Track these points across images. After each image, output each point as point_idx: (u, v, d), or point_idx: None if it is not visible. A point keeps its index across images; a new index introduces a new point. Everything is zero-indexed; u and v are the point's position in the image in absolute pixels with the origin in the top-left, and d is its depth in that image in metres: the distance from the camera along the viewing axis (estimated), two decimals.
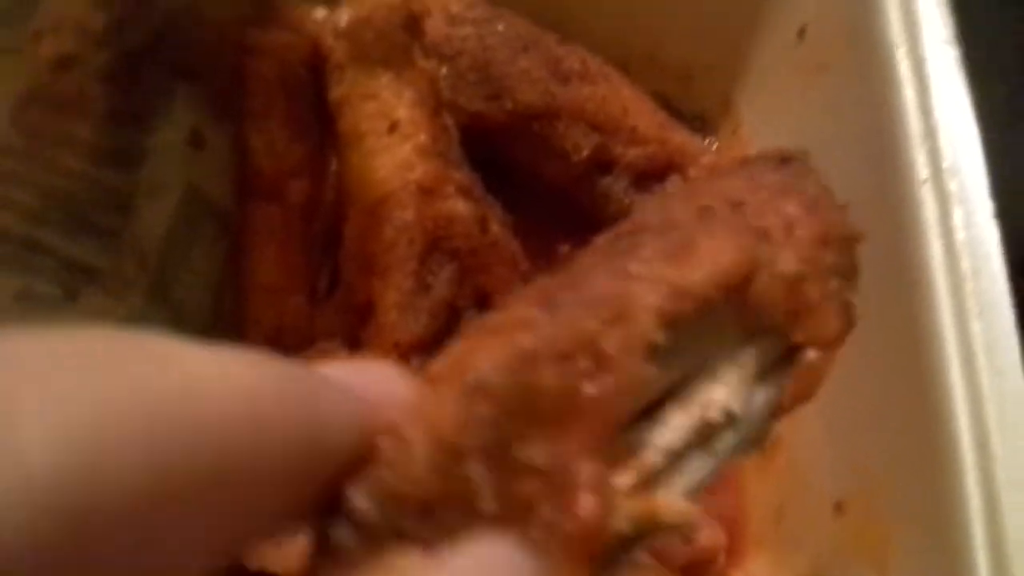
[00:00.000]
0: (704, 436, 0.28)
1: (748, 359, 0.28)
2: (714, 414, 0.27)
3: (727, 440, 0.28)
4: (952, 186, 0.51)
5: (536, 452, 0.23)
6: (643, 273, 0.26)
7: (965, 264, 0.49)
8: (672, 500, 0.25)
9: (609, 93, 0.68)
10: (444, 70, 0.64)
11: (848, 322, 0.29)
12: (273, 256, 0.57)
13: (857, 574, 0.51)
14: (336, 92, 0.59)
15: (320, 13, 0.63)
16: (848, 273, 0.31)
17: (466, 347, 0.25)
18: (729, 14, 0.72)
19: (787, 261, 0.28)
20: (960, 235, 0.50)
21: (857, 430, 0.54)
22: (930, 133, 0.53)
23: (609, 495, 0.23)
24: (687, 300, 0.26)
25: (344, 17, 0.59)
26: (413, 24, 0.60)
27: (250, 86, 0.58)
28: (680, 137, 0.71)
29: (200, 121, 0.55)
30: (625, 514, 0.24)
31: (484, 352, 0.24)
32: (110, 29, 0.50)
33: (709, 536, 0.54)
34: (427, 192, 0.56)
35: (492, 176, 0.62)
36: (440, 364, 0.25)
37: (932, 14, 0.56)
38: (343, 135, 0.58)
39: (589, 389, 0.23)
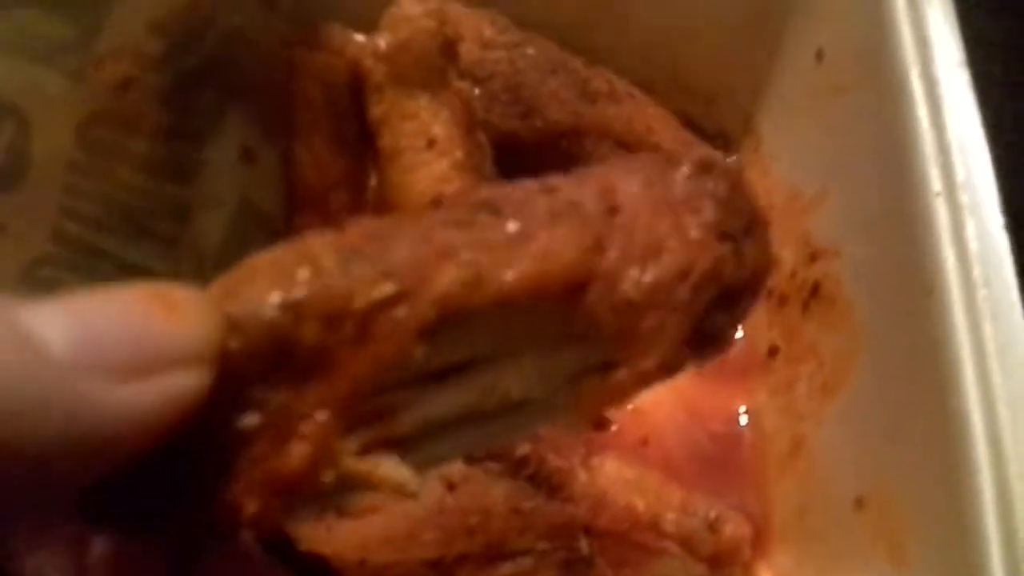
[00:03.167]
0: (476, 415, 0.28)
1: (560, 359, 0.28)
2: (492, 398, 0.28)
3: (503, 423, 0.29)
4: (964, 198, 0.53)
5: (271, 395, 0.24)
6: (458, 254, 0.26)
7: (977, 272, 0.51)
8: (391, 466, 0.26)
9: (634, 112, 0.71)
10: (478, 91, 0.67)
11: (672, 365, 0.28)
12: None
13: (876, 567, 0.53)
14: (376, 111, 0.62)
15: (360, 37, 0.66)
16: (717, 305, 0.29)
17: (251, 269, 0.27)
18: (750, 38, 0.75)
19: (629, 285, 0.27)
20: (973, 245, 0.52)
21: (876, 430, 0.56)
22: (943, 149, 0.55)
23: (326, 449, 0.25)
24: (483, 294, 0.26)
25: (383, 41, 0.62)
26: (448, 48, 0.63)
27: (296, 105, 0.61)
28: (703, 153, 0.73)
29: (250, 138, 0.58)
30: (339, 468, 0.25)
31: (260, 284, 0.25)
32: (166, 54, 0.53)
33: (735, 528, 0.56)
34: None
35: None
36: (228, 277, 0.26)
37: (944, 38, 0.59)
38: (383, 151, 0.61)
39: (343, 355, 0.25)
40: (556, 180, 0.31)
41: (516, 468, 0.55)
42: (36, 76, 0.49)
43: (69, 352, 0.22)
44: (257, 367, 0.25)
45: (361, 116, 0.63)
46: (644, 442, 0.70)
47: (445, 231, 0.27)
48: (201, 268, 0.55)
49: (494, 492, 0.54)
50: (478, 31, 0.70)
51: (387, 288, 0.25)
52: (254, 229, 0.58)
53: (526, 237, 0.27)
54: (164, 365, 0.23)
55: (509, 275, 0.26)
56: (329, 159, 0.62)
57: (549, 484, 0.55)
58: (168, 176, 0.54)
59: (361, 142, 0.63)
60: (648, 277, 0.27)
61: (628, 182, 0.30)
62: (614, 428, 0.66)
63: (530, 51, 0.70)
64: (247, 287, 0.26)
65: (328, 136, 0.62)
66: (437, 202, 0.59)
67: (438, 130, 0.60)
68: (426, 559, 0.53)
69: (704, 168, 0.30)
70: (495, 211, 0.28)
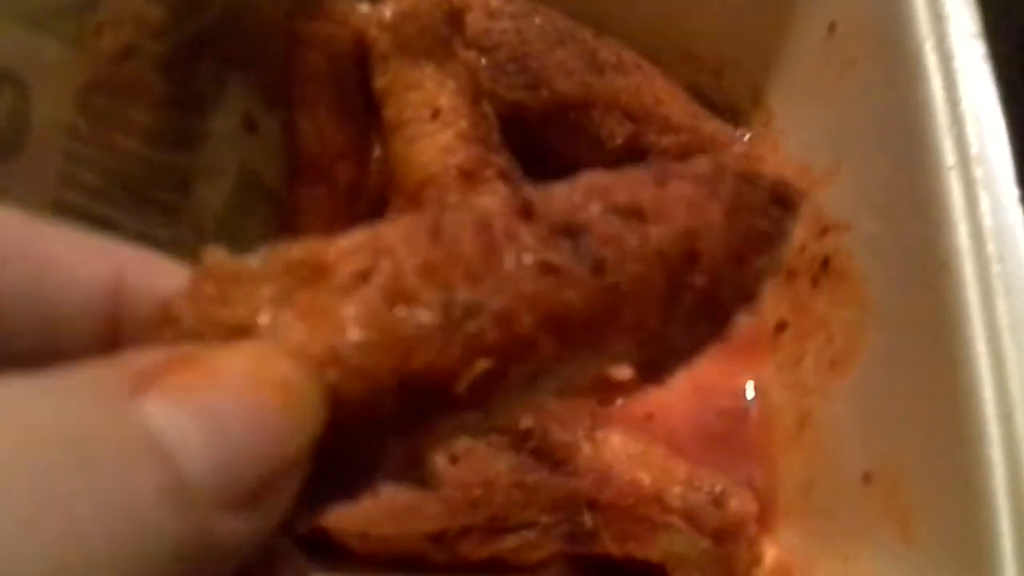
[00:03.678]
0: None
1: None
2: None
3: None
4: (978, 172, 0.53)
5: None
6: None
7: (991, 247, 0.51)
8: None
9: (643, 83, 0.70)
10: (484, 61, 0.66)
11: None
12: (320, 235, 0.59)
13: (884, 543, 0.53)
14: (381, 81, 0.61)
15: (365, 7, 0.65)
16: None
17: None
18: (760, 9, 0.74)
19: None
20: (986, 220, 0.51)
21: (886, 405, 0.56)
22: (957, 122, 0.54)
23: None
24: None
25: (388, 11, 0.61)
26: (454, 18, 0.62)
27: (299, 75, 0.60)
28: (712, 126, 0.73)
29: (253, 107, 0.57)
30: None
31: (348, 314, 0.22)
32: (167, 21, 0.53)
33: (740, 503, 0.55)
34: (468, 175, 0.58)
35: (529, 163, 0.64)
36: (307, 298, 0.23)
37: (959, 9, 0.58)
38: (387, 121, 0.61)
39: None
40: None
41: (520, 441, 0.55)
42: (34, 42, 0.48)
43: (209, 483, 0.18)
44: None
45: (365, 86, 0.62)
46: (649, 417, 0.69)
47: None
48: (202, 237, 0.54)
49: (497, 465, 0.53)
50: (485, 0, 0.69)
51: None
52: (255, 199, 0.57)
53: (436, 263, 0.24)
54: (285, 481, 0.20)
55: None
56: (333, 130, 0.61)
57: (553, 457, 0.55)
58: (169, 145, 0.53)
59: (365, 113, 0.62)
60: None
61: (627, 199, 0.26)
62: (619, 403, 0.66)
63: (537, 21, 0.69)
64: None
65: (332, 106, 0.61)
66: (442, 176, 0.58)
67: (443, 100, 0.59)
68: (428, 532, 0.53)
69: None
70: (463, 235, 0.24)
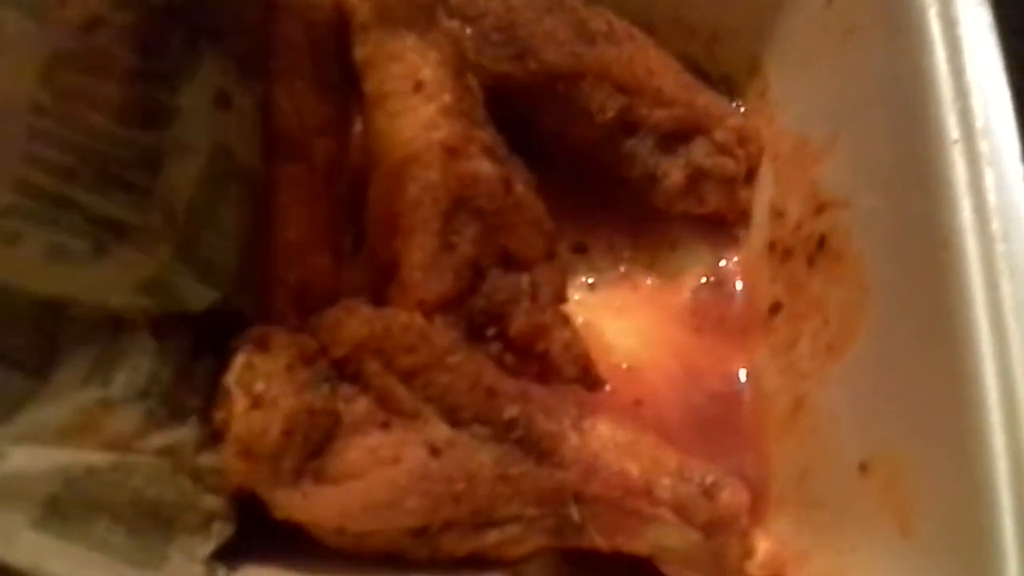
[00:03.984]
0: None
1: None
2: None
3: None
4: (983, 147, 0.51)
5: None
6: None
7: (995, 225, 0.49)
8: None
9: (635, 54, 0.67)
10: (468, 31, 0.64)
11: None
12: (298, 215, 0.57)
13: (881, 535, 0.51)
14: (361, 53, 0.59)
15: None
16: None
17: None
18: None
19: None
20: (991, 197, 0.49)
21: (884, 391, 0.54)
22: (961, 94, 0.52)
23: None
24: None
25: None
26: None
27: (275, 47, 0.58)
28: (706, 99, 0.70)
29: (226, 81, 0.54)
30: None
31: None
32: None
33: (731, 495, 0.54)
34: (452, 152, 0.56)
35: (516, 137, 0.62)
36: None
37: None
38: (368, 95, 0.58)
39: None
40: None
41: (504, 432, 0.53)
42: None
43: None
44: None
45: (345, 58, 0.60)
46: (638, 402, 0.68)
47: None
48: (172, 220, 0.52)
49: (481, 457, 0.51)
50: None
51: None
52: (230, 179, 0.55)
53: None
54: None
55: None
56: (311, 104, 0.59)
57: (538, 448, 0.53)
58: (139, 122, 0.51)
59: (345, 86, 0.60)
60: None
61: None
62: (607, 388, 0.64)
63: None
64: None
65: (310, 80, 0.59)
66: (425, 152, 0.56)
67: (426, 72, 0.57)
68: (409, 527, 0.52)
69: None
70: None
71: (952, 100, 0.52)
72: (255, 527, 0.54)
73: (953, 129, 0.51)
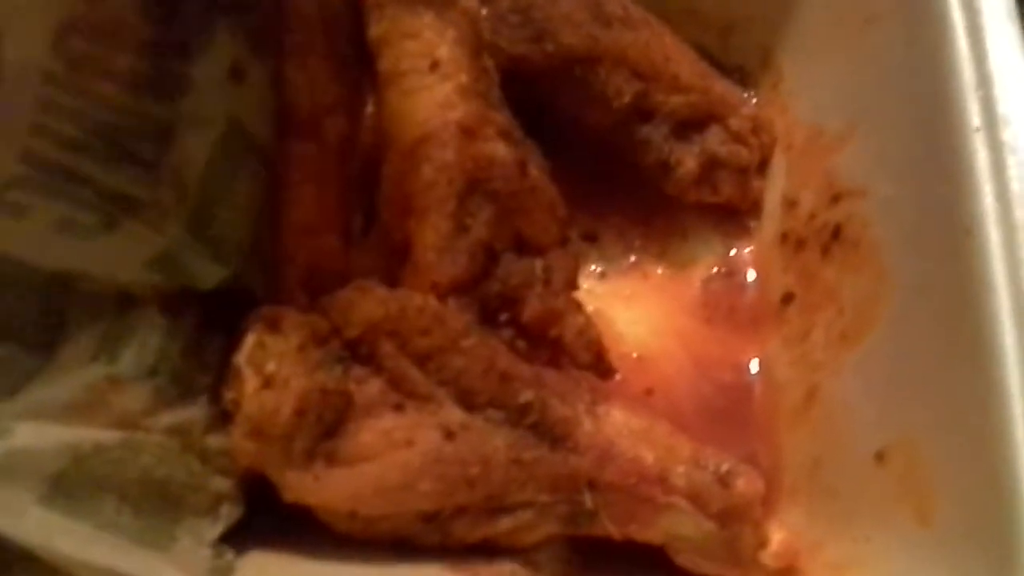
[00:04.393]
0: None
1: None
2: None
3: None
4: (1006, 135, 0.50)
5: None
6: None
7: (1018, 213, 0.48)
8: None
9: (652, 39, 0.67)
10: (485, 11, 0.63)
11: None
12: (309, 195, 0.56)
13: (898, 525, 0.50)
14: (376, 30, 0.58)
15: None
16: None
17: None
18: None
19: None
20: (1014, 185, 0.49)
21: (901, 380, 0.53)
22: (984, 81, 0.52)
23: None
24: None
25: None
26: None
27: (290, 22, 0.57)
28: (721, 87, 0.70)
29: (240, 55, 0.54)
30: None
31: None
32: None
33: (746, 483, 0.53)
34: (467, 132, 0.55)
35: (532, 121, 0.61)
36: None
37: None
38: (382, 74, 0.57)
39: None
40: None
41: (518, 416, 0.52)
42: None
43: None
44: None
45: (359, 36, 0.59)
46: (649, 392, 0.67)
47: None
48: (183, 195, 0.51)
49: (495, 442, 0.51)
50: None
51: None
52: (242, 154, 0.54)
53: None
54: None
55: None
56: (324, 82, 0.58)
57: (553, 434, 0.52)
58: (151, 93, 0.50)
59: (359, 64, 0.59)
60: None
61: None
62: (618, 377, 0.63)
63: None
64: None
65: (323, 57, 0.58)
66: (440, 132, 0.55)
67: (443, 51, 0.56)
68: (421, 512, 0.51)
69: None
70: None
71: (974, 88, 0.52)
72: (263, 511, 0.53)
73: (975, 117, 0.51)
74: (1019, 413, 0.45)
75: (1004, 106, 0.51)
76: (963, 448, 0.48)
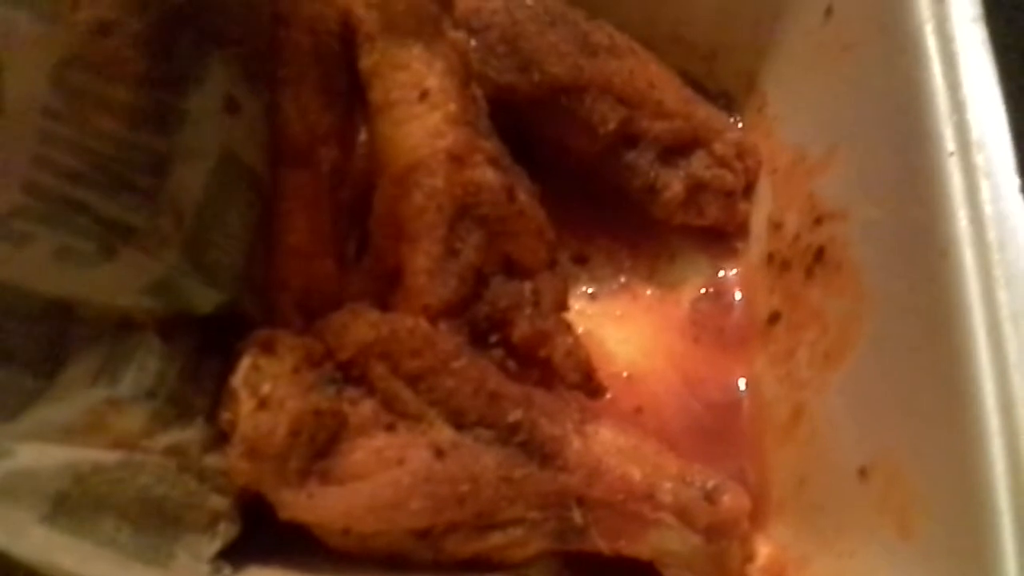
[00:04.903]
0: None
1: None
2: None
3: None
4: (979, 159, 0.51)
5: None
6: None
7: (991, 235, 0.50)
8: None
9: (636, 67, 0.68)
10: (473, 42, 0.65)
11: None
12: (303, 221, 0.58)
13: (881, 538, 0.51)
14: (367, 61, 0.59)
15: None
16: None
17: None
18: None
19: None
20: (987, 207, 0.50)
21: (882, 398, 0.55)
22: (957, 107, 0.53)
23: None
24: None
25: None
26: None
27: (283, 55, 0.58)
28: (706, 112, 0.71)
29: (235, 87, 0.55)
30: None
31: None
32: None
33: (733, 499, 0.54)
34: (456, 160, 0.57)
35: (519, 148, 0.63)
36: None
37: None
38: (374, 104, 0.59)
39: None
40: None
41: (508, 435, 0.53)
42: (7, 17, 0.46)
43: None
44: None
45: (351, 67, 0.60)
46: (638, 410, 0.68)
47: None
48: (180, 223, 0.52)
49: (485, 460, 0.52)
50: None
51: None
52: (237, 183, 0.55)
53: None
54: None
55: None
56: (317, 112, 0.59)
57: (542, 452, 0.53)
58: (148, 126, 0.51)
59: (351, 95, 0.61)
60: None
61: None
62: (608, 396, 0.65)
63: (528, 1, 0.68)
64: None
65: (316, 88, 0.59)
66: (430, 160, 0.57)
67: (432, 82, 0.57)
68: (413, 529, 0.52)
69: None
70: None
71: (948, 114, 0.53)
72: (260, 529, 0.54)
73: (950, 142, 0.52)
74: (995, 428, 0.46)
75: (977, 131, 0.52)
76: (942, 463, 0.49)
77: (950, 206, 0.51)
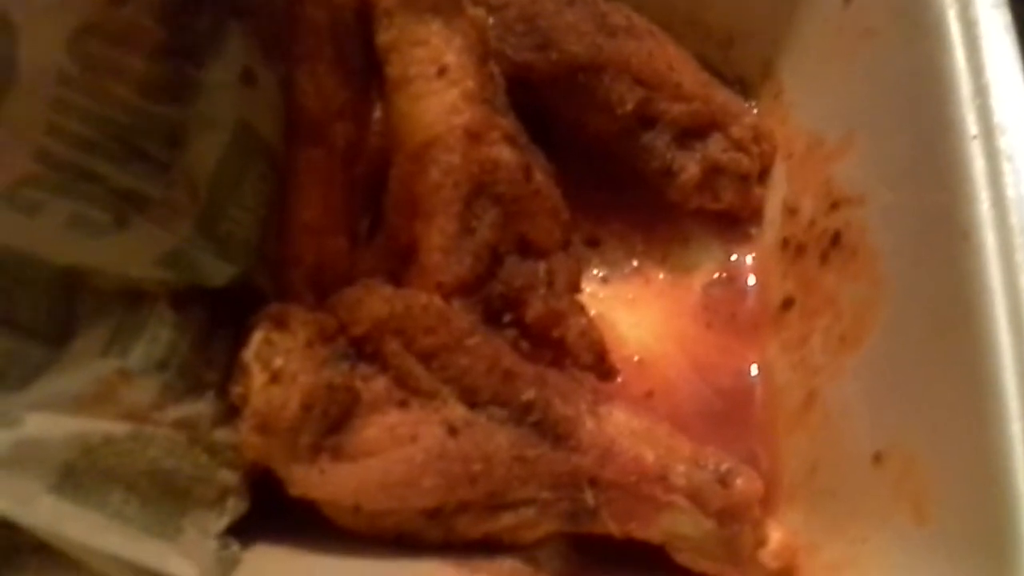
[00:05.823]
0: None
1: None
2: None
3: None
4: (1002, 143, 0.51)
5: None
6: None
7: (1014, 219, 0.49)
8: None
9: (655, 49, 0.68)
10: (491, 20, 0.64)
11: None
12: (316, 197, 0.57)
13: (896, 525, 0.51)
14: (384, 37, 0.59)
15: None
16: None
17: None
18: None
19: None
20: (1010, 191, 0.50)
21: (898, 383, 0.54)
22: (980, 92, 0.53)
23: None
24: None
25: None
26: None
27: (300, 30, 0.58)
28: (723, 96, 0.71)
29: (252, 59, 0.55)
30: None
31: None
32: None
33: (746, 483, 0.53)
34: (473, 137, 0.56)
35: (536, 127, 0.62)
36: None
37: None
38: (391, 79, 0.58)
39: None
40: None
41: (521, 414, 0.53)
42: None
43: None
44: None
45: (368, 43, 0.60)
46: (649, 394, 0.68)
47: None
48: (194, 195, 0.52)
49: (498, 439, 0.51)
50: None
51: None
52: (252, 156, 0.55)
53: None
54: None
55: None
56: (332, 88, 0.59)
57: (555, 432, 0.53)
58: (164, 96, 0.51)
59: (366, 71, 0.60)
60: None
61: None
62: (619, 379, 0.64)
63: None
64: None
65: (332, 63, 0.59)
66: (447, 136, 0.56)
67: (450, 58, 0.57)
68: (424, 508, 0.51)
69: None
70: None
71: (971, 98, 0.53)
72: (269, 506, 0.54)
73: (972, 125, 0.52)
74: (1015, 414, 0.45)
75: (1000, 115, 0.52)
76: (959, 449, 0.48)
77: (972, 190, 0.50)
